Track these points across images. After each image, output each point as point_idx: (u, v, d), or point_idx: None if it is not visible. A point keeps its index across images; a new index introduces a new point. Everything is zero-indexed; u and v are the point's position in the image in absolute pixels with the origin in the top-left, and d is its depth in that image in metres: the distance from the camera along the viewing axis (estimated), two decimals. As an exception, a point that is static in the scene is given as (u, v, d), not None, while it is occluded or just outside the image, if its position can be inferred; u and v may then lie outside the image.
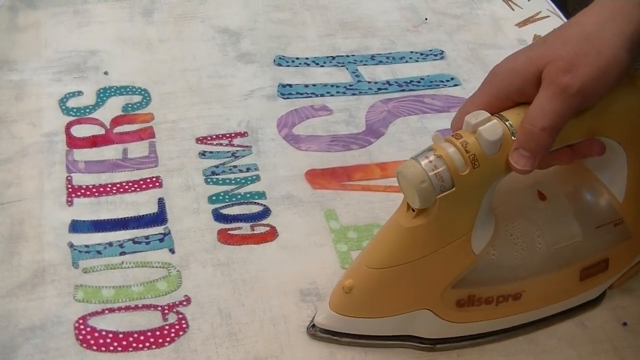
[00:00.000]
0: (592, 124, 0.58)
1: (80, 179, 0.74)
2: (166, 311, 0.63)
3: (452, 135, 0.56)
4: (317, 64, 0.90)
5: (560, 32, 0.57)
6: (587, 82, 0.54)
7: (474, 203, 0.57)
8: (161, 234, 0.70)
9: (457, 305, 0.60)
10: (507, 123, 0.55)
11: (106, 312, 0.63)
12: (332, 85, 0.87)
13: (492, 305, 0.61)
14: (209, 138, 0.79)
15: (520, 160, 0.55)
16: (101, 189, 0.73)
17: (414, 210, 0.57)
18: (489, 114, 0.55)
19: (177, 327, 0.62)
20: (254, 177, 0.76)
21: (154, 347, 0.61)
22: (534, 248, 0.62)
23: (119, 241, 0.68)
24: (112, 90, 0.84)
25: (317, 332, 0.62)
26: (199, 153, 0.77)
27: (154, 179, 0.74)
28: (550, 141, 0.55)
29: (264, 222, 0.71)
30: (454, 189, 0.55)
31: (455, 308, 0.61)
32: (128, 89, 0.84)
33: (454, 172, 0.55)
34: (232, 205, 0.73)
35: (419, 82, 0.88)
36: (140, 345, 0.61)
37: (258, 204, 0.73)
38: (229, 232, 0.70)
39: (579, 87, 0.54)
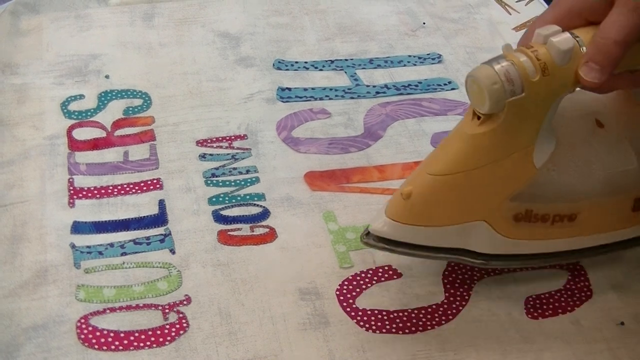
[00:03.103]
0: None
1: (81, 181, 0.74)
2: (167, 310, 0.64)
3: (523, 46, 0.57)
4: (316, 67, 0.90)
5: None
6: None
7: (540, 113, 0.57)
8: (162, 234, 0.70)
9: (514, 219, 0.60)
10: (577, 39, 0.56)
11: (107, 311, 0.64)
12: (330, 89, 0.87)
13: (547, 223, 0.61)
14: (209, 141, 0.80)
15: (590, 73, 0.56)
16: (102, 191, 0.74)
17: (479, 118, 0.57)
18: (560, 28, 0.57)
19: (177, 326, 0.63)
20: (254, 179, 0.76)
21: (154, 346, 0.62)
22: (590, 170, 0.62)
23: (120, 242, 0.69)
24: (113, 93, 0.84)
25: (370, 240, 0.61)
26: (199, 155, 0.78)
27: (155, 181, 0.75)
28: (621, 54, 0.56)
29: (264, 223, 0.72)
30: (523, 94, 0.56)
31: (512, 222, 0.60)
32: (129, 93, 0.85)
33: (525, 77, 0.56)
34: (232, 206, 0.73)
35: (416, 85, 0.89)
36: (141, 344, 0.62)
37: (257, 205, 0.74)
38: (229, 233, 0.71)
39: None
